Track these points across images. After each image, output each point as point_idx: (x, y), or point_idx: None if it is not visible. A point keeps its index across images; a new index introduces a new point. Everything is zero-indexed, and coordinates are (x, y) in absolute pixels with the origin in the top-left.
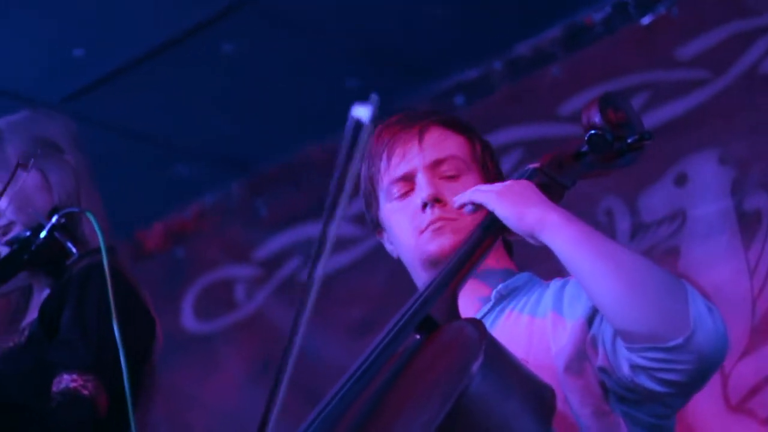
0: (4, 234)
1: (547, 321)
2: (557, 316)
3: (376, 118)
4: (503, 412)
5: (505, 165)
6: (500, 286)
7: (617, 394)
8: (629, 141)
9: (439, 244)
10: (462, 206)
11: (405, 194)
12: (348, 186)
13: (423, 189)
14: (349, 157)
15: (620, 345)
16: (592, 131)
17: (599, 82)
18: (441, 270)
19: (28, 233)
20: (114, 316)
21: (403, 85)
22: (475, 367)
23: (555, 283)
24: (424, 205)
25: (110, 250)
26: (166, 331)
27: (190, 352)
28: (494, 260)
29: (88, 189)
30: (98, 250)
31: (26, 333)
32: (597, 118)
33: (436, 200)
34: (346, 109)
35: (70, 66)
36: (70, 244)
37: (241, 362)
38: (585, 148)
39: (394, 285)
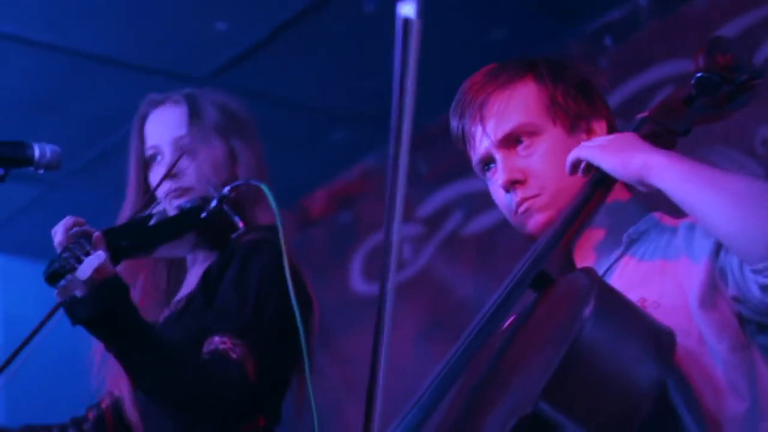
0: (179, 196)
1: (679, 262)
2: (687, 257)
3: (422, 12)
4: (619, 356)
5: None
6: (630, 230)
7: (754, 323)
8: (739, 81)
9: (532, 225)
10: (574, 170)
11: (490, 171)
12: (409, 89)
13: (499, 174)
14: (405, 60)
15: (747, 270)
16: (699, 74)
17: (747, 11)
18: (553, 227)
19: (198, 201)
20: (290, 286)
21: (551, 30)
22: (587, 312)
23: (683, 226)
24: (506, 190)
25: (276, 229)
26: (336, 295)
27: (361, 314)
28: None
29: (266, 171)
30: (265, 228)
31: (182, 304)
32: (703, 62)
33: (513, 183)
34: (496, 59)
35: (215, 40)
36: (237, 218)
37: (412, 320)
38: (693, 92)
39: None
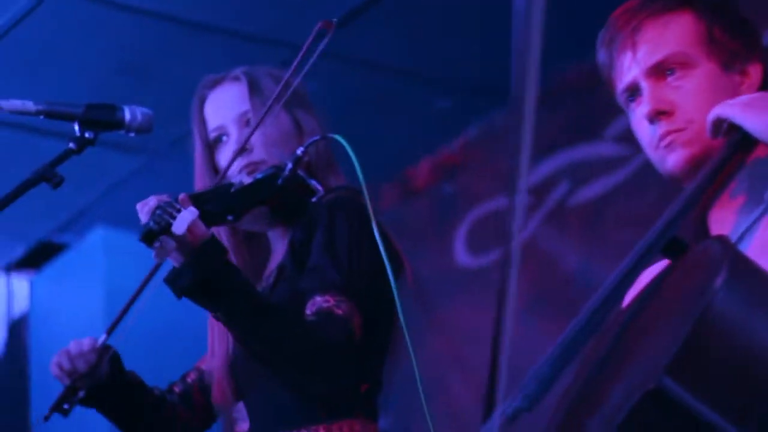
0: (252, 172)
1: None
2: None
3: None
4: (753, 330)
5: None
6: None
7: None
8: None
9: (673, 161)
10: (716, 131)
11: (635, 102)
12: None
13: (644, 103)
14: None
15: None
16: None
17: None
18: (685, 190)
19: (272, 170)
20: (377, 236)
21: None
22: (718, 283)
23: None
24: (650, 120)
25: (353, 190)
26: (440, 268)
27: (465, 287)
28: None
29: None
30: (343, 187)
31: (273, 276)
32: None
33: (659, 114)
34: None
35: (314, 4)
36: (313, 182)
37: (518, 293)
38: None
39: (666, 205)
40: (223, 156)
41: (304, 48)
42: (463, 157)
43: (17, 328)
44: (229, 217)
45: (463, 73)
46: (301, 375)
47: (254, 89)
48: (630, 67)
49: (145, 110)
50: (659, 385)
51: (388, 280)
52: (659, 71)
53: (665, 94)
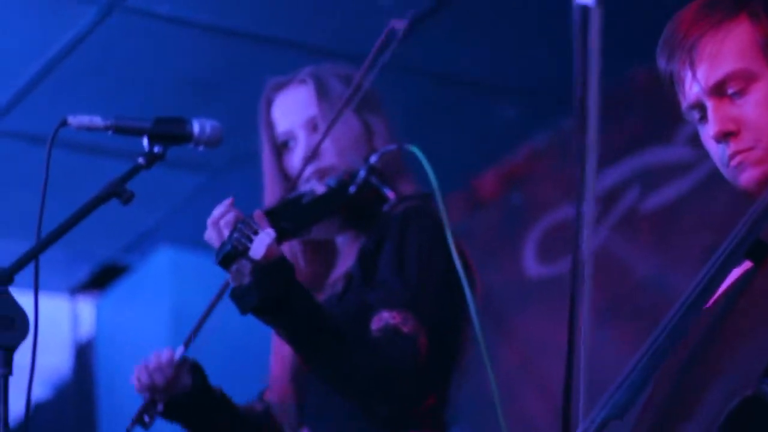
0: (321, 178)
1: None
2: None
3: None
4: None
5: None
6: None
7: None
8: None
9: (745, 180)
10: None
11: (702, 119)
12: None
13: (710, 123)
14: (584, 49)
15: None
16: None
17: None
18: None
19: (344, 177)
20: (452, 247)
21: None
22: None
23: None
24: (717, 141)
25: (426, 197)
26: (510, 278)
27: (536, 297)
28: None
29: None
30: (416, 196)
31: (340, 284)
32: None
33: (725, 135)
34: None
35: (379, 16)
36: (386, 189)
37: (590, 302)
38: None
39: (738, 208)
40: (292, 161)
41: (375, 48)
42: (530, 166)
43: (83, 351)
44: (300, 233)
45: (527, 81)
46: (364, 395)
47: (322, 93)
48: (691, 86)
49: (214, 123)
50: (758, 391)
51: (458, 294)
52: (721, 90)
53: (730, 113)
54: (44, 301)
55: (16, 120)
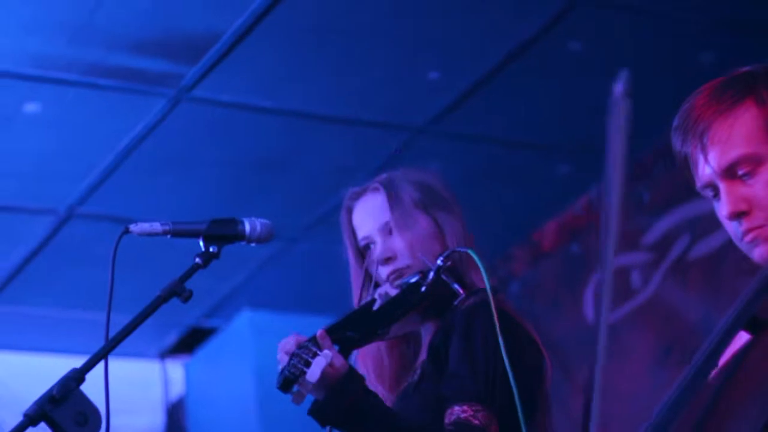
0: (399, 277)
1: None
2: None
3: (629, 92)
4: None
5: None
6: None
7: None
8: None
9: (759, 254)
10: None
11: (716, 196)
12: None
13: (724, 204)
14: (614, 138)
15: None
16: None
17: None
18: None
19: (417, 276)
20: (503, 348)
21: (761, 50)
22: None
23: None
24: (730, 220)
25: (494, 290)
26: (572, 325)
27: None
28: None
29: (470, 235)
30: (483, 290)
31: (418, 372)
32: None
33: (738, 215)
34: (703, 83)
35: (428, 89)
36: (456, 286)
37: (646, 347)
38: None
39: None
40: (372, 264)
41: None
42: (586, 217)
43: (175, 411)
44: (379, 332)
45: (578, 136)
46: None
47: (392, 198)
48: (704, 169)
49: (264, 221)
50: None
51: (529, 381)
52: (731, 173)
53: (741, 193)
54: (136, 365)
55: (97, 205)
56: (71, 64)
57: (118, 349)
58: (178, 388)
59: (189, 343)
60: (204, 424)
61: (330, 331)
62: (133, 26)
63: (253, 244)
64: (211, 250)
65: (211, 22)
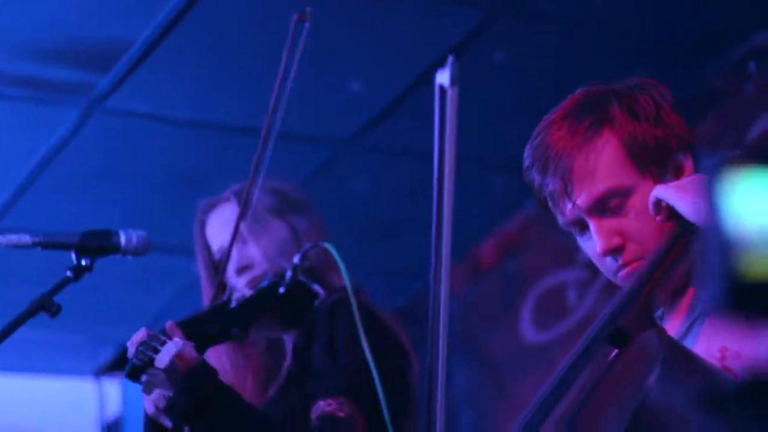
0: (256, 285)
1: None
2: None
3: (457, 79)
4: (683, 419)
5: None
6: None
7: None
8: None
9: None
10: (656, 210)
11: (582, 232)
12: (447, 156)
13: (597, 241)
14: (442, 128)
15: None
16: None
17: None
18: (630, 281)
19: (274, 279)
20: (364, 343)
21: (694, 64)
22: (651, 379)
23: None
24: (605, 256)
25: (357, 288)
26: (509, 345)
27: (532, 362)
28: None
29: (328, 239)
30: (343, 288)
31: (283, 378)
32: None
33: (612, 252)
34: None
35: (351, 101)
36: (316, 286)
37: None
38: None
39: None
40: (228, 275)
41: (287, 46)
42: (523, 233)
43: (111, 431)
44: (234, 332)
45: (511, 151)
46: None
47: (244, 207)
48: (566, 208)
49: (141, 233)
50: None
51: (392, 380)
52: (600, 208)
53: (612, 227)
54: (71, 384)
55: (13, 220)
56: None
57: (51, 367)
58: (114, 407)
59: (125, 360)
60: None
61: (183, 326)
62: (38, 34)
63: (129, 257)
64: (83, 263)
65: (121, 30)
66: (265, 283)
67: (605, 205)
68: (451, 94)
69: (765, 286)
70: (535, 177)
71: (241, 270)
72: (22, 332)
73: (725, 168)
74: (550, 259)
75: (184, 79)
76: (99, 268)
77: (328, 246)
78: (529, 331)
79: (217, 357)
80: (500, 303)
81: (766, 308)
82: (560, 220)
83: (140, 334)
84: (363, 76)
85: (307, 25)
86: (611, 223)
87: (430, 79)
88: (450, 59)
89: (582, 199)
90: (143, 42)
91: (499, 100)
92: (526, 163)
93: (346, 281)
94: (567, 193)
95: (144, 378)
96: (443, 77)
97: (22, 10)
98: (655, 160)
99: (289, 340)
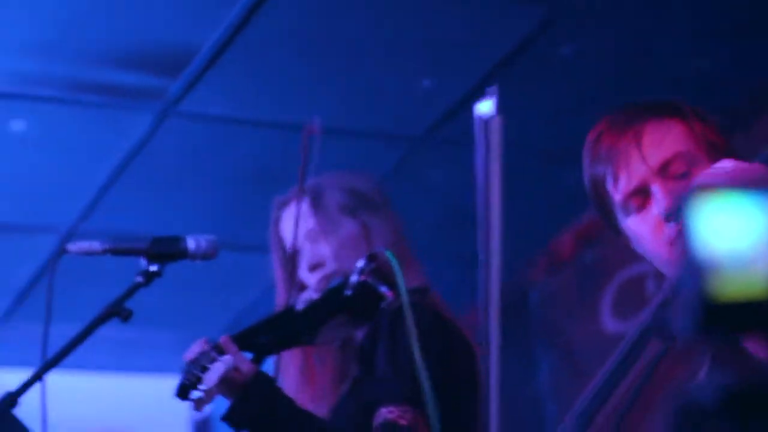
0: (327, 284)
1: None
2: None
3: (500, 109)
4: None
5: None
6: None
7: None
8: None
9: None
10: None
11: (642, 206)
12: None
13: (660, 201)
14: (488, 156)
15: None
16: None
17: None
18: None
19: (340, 280)
20: (419, 348)
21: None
22: (700, 376)
23: None
24: (667, 219)
25: (423, 291)
26: (590, 335)
27: (613, 352)
28: None
29: (403, 237)
30: (411, 291)
31: (349, 381)
32: None
33: (676, 214)
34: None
35: (424, 97)
36: (383, 288)
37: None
38: None
39: None
40: (300, 272)
41: (303, 156)
42: (599, 225)
43: (202, 429)
44: (303, 337)
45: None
46: None
47: (317, 205)
48: (637, 170)
49: (210, 237)
50: None
51: (461, 378)
52: (666, 171)
53: (677, 191)
54: (162, 382)
55: (97, 222)
56: (52, 80)
57: (140, 366)
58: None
59: None
60: None
61: (240, 338)
62: (111, 42)
63: (198, 261)
64: (151, 269)
65: (189, 34)
66: (332, 285)
67: (672, 169)
68: (494, 125)
69: (736, 306)
70: (600, 150)
71: (313, 267)
72: (113, 331)
73: (695, 193)
74: (628, 250)
75: (254, 80)
76: (185, 268)
77: (388, 254)
78: (609, 322)
79: (285, 362)
80: (580, 294)
81: (740, 328)
82: (617, 198)
83: (193, 351)
84: (433, 71)
85: (316, 138)
86: (677, 186)
87: (500, 73)
88: (491, 89)
89: (653, 158)
90: (212, 45)
91: (569, 95)
92: (587, 161)
93: (401, 287)
94: (639, 150)
95: (194, 395)
96: (485, 106)
97: (95, 21)
98: (703, 144)
99: (357, 342)
